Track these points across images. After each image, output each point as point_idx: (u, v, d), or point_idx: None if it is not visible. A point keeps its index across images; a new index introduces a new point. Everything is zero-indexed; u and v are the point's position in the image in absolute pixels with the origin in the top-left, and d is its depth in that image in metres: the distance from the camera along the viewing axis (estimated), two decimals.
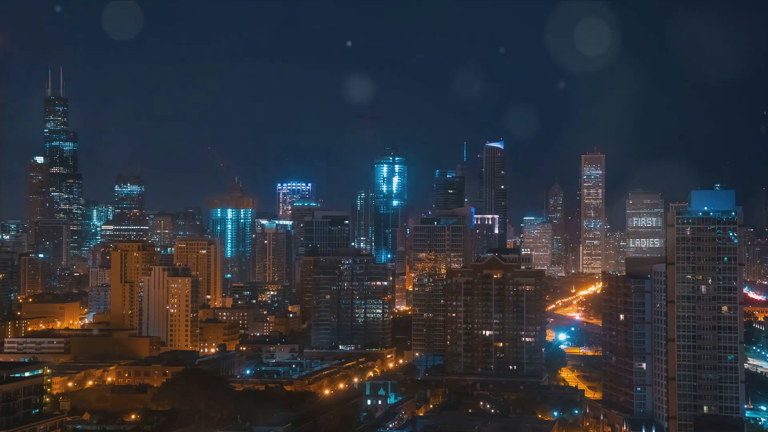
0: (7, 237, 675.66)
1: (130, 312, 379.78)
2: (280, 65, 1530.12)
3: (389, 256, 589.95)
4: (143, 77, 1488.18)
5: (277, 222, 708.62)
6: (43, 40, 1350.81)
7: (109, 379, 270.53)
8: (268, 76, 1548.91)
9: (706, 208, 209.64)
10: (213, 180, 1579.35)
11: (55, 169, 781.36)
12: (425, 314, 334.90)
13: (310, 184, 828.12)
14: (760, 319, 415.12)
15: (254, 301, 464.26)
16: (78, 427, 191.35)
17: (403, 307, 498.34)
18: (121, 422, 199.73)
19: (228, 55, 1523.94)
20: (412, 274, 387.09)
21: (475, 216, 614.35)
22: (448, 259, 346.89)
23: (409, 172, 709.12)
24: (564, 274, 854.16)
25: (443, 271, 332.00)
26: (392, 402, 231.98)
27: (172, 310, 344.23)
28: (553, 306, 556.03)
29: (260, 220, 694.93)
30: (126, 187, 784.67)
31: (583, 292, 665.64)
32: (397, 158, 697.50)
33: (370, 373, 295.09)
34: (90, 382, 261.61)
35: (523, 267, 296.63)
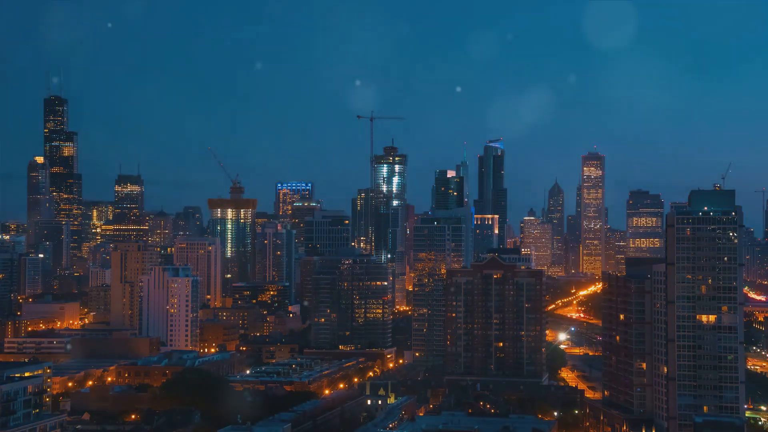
0: (7, 237, 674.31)
1: (130, 312, 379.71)
2: (279, 66, 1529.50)
3: (389, 256, 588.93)
4: (143, 76, 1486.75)
5: (277, 222, 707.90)
6: (43, 40, 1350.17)
7: (109, 379, 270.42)
8: (269, 77, 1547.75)
9: (706, 208, 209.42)
10: (213, 180, 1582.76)
11: (55, 169, 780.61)
12: (425, 314, 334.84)
13: (310, 184, 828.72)
14: (760, 319, 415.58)
15: (254, 301, 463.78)
16: (78, 426, 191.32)
17: (403, 307, 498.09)
18: (121, 422, 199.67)
19: (228, 55, 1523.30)
20: (412, 274, 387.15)
21: (475, 216, 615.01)
22: (448, 259, 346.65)
23: (409, 172, 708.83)
24: (564, 274, 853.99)
25: (443, 271, 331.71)
26: (392, 402, 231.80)
27: (172, 310, 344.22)
28: (553, 306, 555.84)
29: (260, 220, 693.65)
30: (126, 187, 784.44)
31: (583, 292, 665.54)
32: (397, 158, 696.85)
33: (370, 373, 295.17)
34: (90, 382, 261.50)
35: (523, 267, 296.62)
